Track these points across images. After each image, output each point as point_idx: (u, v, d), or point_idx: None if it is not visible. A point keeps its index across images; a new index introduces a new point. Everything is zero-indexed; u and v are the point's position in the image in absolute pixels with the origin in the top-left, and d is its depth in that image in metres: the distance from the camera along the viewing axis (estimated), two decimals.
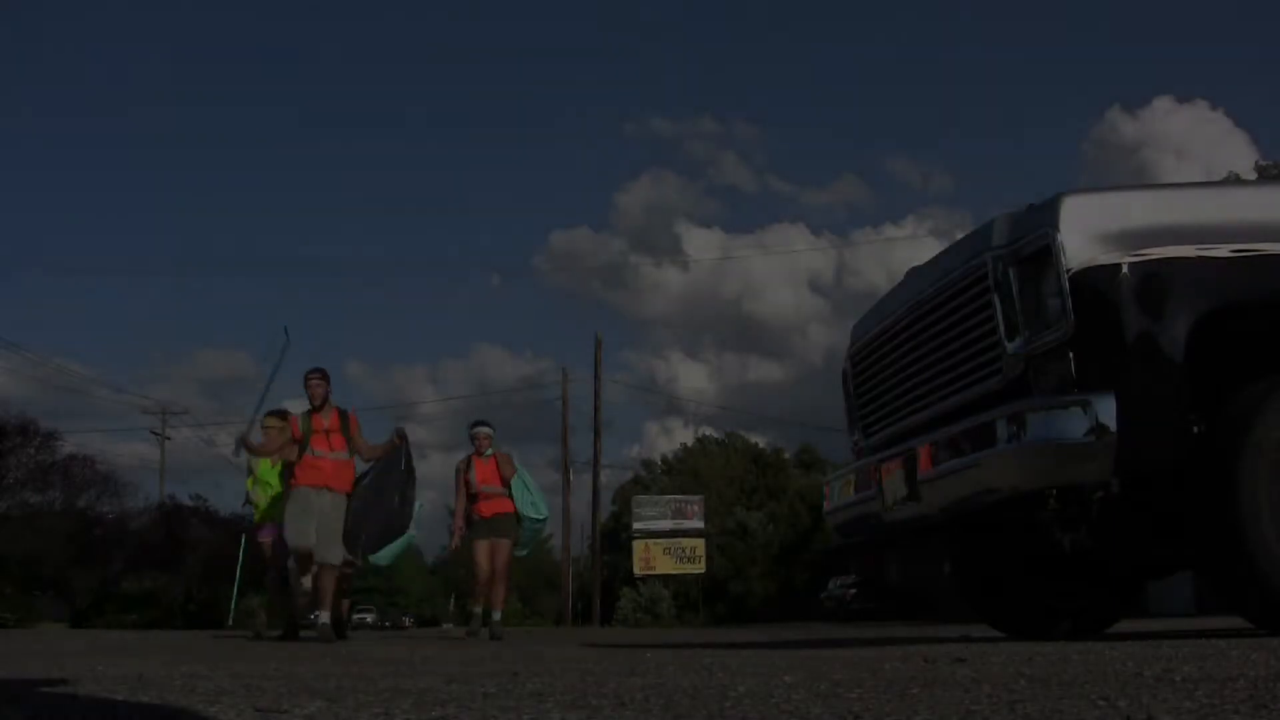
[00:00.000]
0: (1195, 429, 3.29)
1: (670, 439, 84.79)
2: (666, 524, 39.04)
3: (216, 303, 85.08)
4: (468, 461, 9.25)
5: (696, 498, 40.58)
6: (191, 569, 33.87)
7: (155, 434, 43.09)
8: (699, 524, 39.32)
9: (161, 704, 1.98)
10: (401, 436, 8.29)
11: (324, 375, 8.06)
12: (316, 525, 7.58)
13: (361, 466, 8.25)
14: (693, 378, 78.05)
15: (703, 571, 40.41)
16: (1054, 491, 3.28)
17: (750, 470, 53.83)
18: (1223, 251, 3.24)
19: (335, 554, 7.59)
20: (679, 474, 52.94)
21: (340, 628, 8.60)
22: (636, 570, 40.15)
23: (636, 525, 39.47)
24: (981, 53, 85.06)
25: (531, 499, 9.31)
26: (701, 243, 77.78)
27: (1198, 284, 3.24)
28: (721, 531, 47.85)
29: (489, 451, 9.24)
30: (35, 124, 79.50)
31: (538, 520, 9.48)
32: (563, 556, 36.08)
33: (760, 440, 55.42)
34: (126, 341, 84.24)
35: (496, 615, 8.92)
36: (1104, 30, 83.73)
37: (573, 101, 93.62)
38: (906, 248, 65.70)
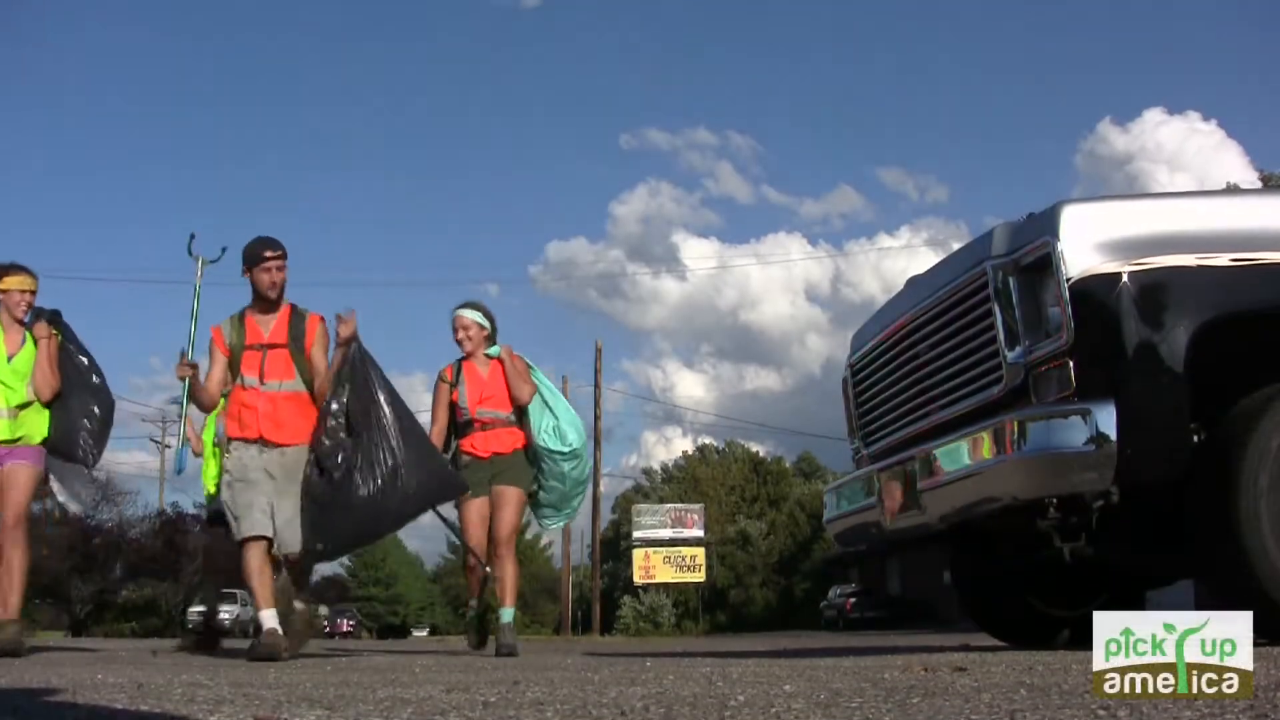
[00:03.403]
0: (1195, 438, 3.29)
1: (669, 448, 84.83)
2: (666, 532, 39.07)
3: (214, 310, 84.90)
4: (456, 369, 5.79)
5: (697, 506, 40.65)
6: (190, 577, 33.82)
7: (155, 441, 43.11)
8: (699, 533, 39.33)
9: (161, 712, 1.98)
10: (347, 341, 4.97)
11: (284, 254, 5.07)
12: (268, 502, 4.86)
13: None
14: (690, 387, 78.19)
15: (703, 580, 40.39)
16: (1054, 500, 3.28)
17: (750, 479, 53.84)
18: (1223, 260, 3.25)
19: (294, 538, 4.90)
20: (679, 482, 52.96)
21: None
22: (637, 579, 40.19)
23: (636, 534, 39.50)
24: (974, 66, 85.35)
25: (554, 421, 5.73)
26: (698, 253, 77.99)
27: (1198, 293, 3.24)
28: (722, 540, 47.85)
29: (490, 352, 5.77)
30: (32, 130, 79.68)
31: (564, 454, 5.72)
32: (563, 565, 36.01)
33: (760, 448, 55.41)
34: (125, 349, 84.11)
35: (506, 615, 5.58)
36: (1095, 42, 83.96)
37: (569, 113, 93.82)
38: (902, 258, 65.86)
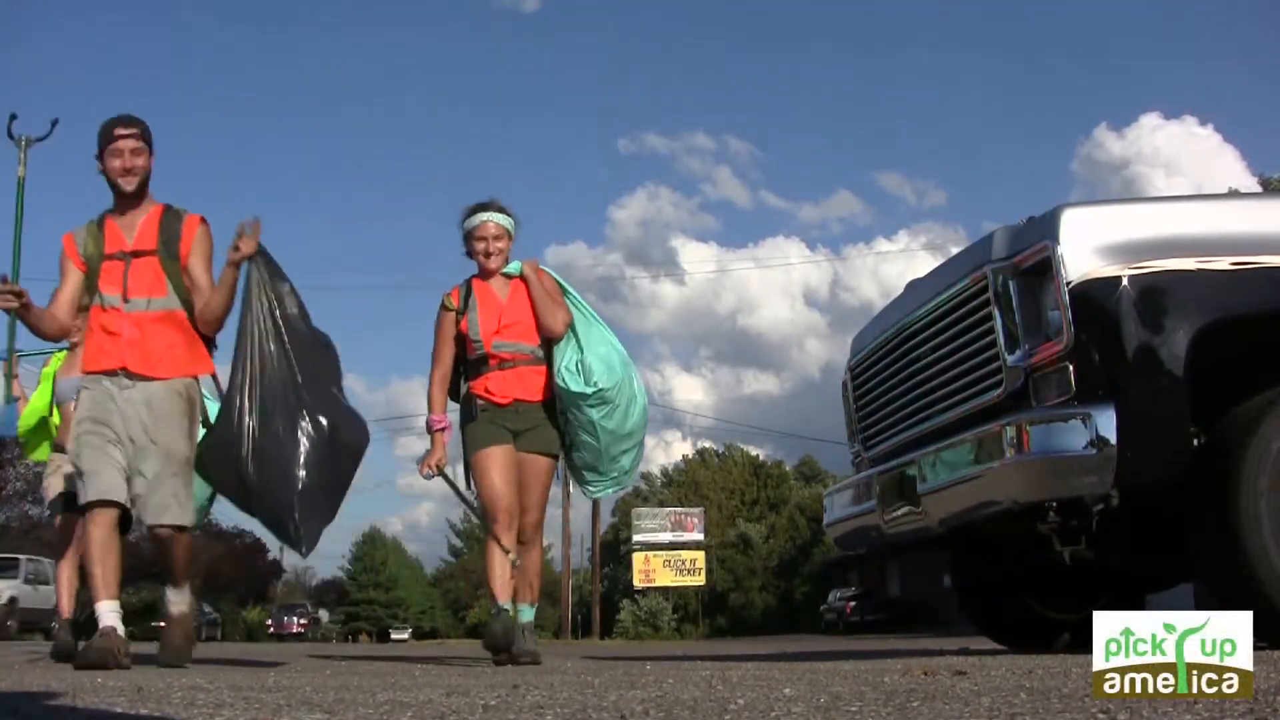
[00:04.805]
0: (1196, 441, 3.30)
1: (668, 452, 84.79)
2: (666, 536, 39.07)
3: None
4: (464, 291, 4.51)
5: (697, 510, 40.65)
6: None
7: None
8: (699, 536, 39.34)
9: (161, 715, 1.98)
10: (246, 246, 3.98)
11: (142, 132, 3.99)
12: (131, 456, 3.82)
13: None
14: (689, 391, 78.26)
15: (703, 584, 40.39)
16: (1054, 504, 3.28)
17: (750, 482, 53.84)
18: (1222, 264, 3.25)
19: (164, 504, 3.85)
20: (679, 486, 52.95)
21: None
22: (636, 582, 40.17)
23: (636, 537, 39.52)
24: (972, 70, 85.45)
25: (578, 355, 4.36)
26: (697, 257, 78.08)
27: (1198, 296, 3.25)
28: (722, 544, 47.86)
29: (510, 269, 4.49)
30: (35, 130, 79.67)
31: (585, 397, 4.32)
32: (563, 568, 35.99)
33: (760, 452, 55.41)
34: None
35: (526, 612, 4.44)
36: (1091, 47, 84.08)
37: (568, 117, 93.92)
38: (900, 262, 66.01)
